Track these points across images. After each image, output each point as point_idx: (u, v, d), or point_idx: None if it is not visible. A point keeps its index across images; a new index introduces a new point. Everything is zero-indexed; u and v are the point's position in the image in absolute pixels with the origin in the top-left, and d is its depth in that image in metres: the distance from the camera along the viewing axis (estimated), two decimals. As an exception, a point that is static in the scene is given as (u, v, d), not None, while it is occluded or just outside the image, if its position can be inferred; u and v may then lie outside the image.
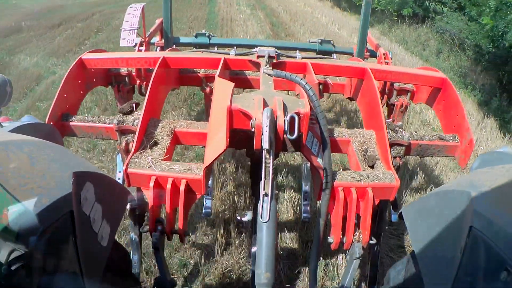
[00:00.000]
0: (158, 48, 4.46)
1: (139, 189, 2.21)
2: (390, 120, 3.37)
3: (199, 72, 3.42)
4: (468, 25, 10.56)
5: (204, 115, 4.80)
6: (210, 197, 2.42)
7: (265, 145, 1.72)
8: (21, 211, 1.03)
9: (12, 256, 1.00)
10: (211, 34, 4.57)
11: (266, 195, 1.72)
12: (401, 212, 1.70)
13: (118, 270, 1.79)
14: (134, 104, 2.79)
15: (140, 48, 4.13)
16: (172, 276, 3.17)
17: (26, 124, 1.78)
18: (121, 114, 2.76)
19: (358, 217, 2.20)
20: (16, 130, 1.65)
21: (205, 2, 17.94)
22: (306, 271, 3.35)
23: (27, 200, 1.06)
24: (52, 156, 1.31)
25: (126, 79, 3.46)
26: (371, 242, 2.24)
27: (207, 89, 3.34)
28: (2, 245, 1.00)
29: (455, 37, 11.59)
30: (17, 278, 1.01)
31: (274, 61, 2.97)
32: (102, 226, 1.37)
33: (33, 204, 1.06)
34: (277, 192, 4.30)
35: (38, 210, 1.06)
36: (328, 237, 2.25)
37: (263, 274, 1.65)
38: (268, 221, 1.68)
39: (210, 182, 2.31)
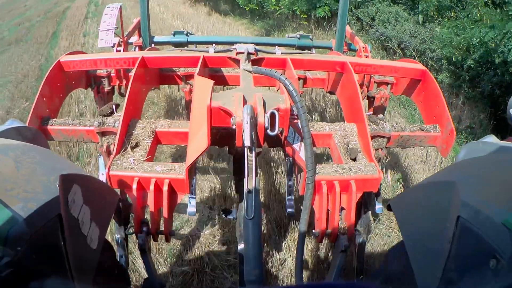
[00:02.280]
0: (137, 48, 4.43)
1: (122, 191, 2.19)
2: (371, 112, 3.39)
3: (178, 71, 3.40)
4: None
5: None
6: (194, 196, 2.41)
7: (247, 142, 1.72)
8: (8, 216, 1.02)
9: (1, 262, 0.98)
10: (189, 32, 4.54)
11: (250, 191, 1.72)
12: (389, 204, 1.71)
13: (108, 271, 1.77)
14: (114, 106, 2.77)
15: (119, 48, 4.10)
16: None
17: (10, 128, 1.76)
18: (101, 116, 2.73)
19: (342, 210, 2.22)
20: (0, 134, 1.63)
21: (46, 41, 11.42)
22: (292, 265, 3.37)
23: (14, 206, 1.04)
24: (37, 159, 1.30)
25: (106, 81, 3.43)
26: (356, 234, 2.26)
27: (187, 88, 3.33)
28: None
29: (410, 47, 8.54)
30: (7, 285, 0.99)
31: (254, 57, 2.96)
32: (91, 228, 1.34)
33: (21, 209, 1.05)
34: (260, 188, 4.30)
35: (25, 215, 1.05)
36: (313, 231, 2.27)
37: (252, 270, 1.65)
38: (253, 217, 1.68)
39: (193, 181, 2.30)
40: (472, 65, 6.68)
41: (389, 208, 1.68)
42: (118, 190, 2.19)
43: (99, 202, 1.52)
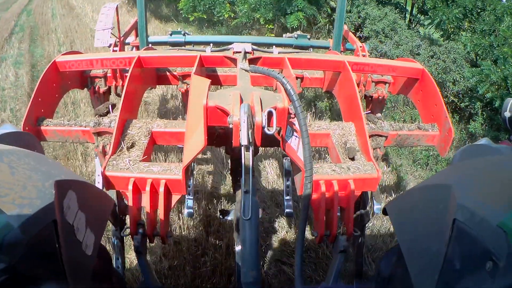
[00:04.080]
0: (134, 48, 4.41)
1: (118, 192, 2.17)
2: (369, 111, 3.38)
3: (175, 71, 3.39)
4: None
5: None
6: (191, 197, 2.39)
7: (244, 142, 1.70)
8: (4, 223, 1.01)
9: None
10: (186, 32, 4.53)
11: (246, 192, 1.71)
12: (385, 208, 1.70)
13: (103, 277, 1.76)
14: (110, 106, 2.75)
15: (115, 48, 4.08)
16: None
17: (5, 133, 1.74)
18: (97, 116, 2.71)
19: (340, 209, 2.20)
20: None
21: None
22: (292, 266, 3.35)
23: (9, 212, 1.04)
24: (32, 165, 1.28)
25: (102, 81, 3.41)
26: (355, 234, 2.24)
27: (184, 87, 3.31)
28: None
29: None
30: None
31: (251, 56, 2.95)
32: (86, 234, 1.34)
33: (16, 215, 1.04)
34: (258, 188, 4.29)
35: (20, 221, 1.04)
36: (312, 231, 2.25)
37: (249, 272, 1.64)
38: (250, 218, 1.67)
39: (190, 182, 2.28)
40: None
41: (384, 212, 1.67)
42: (114, 191, 2.17)
43: (94, 208, 1.51)
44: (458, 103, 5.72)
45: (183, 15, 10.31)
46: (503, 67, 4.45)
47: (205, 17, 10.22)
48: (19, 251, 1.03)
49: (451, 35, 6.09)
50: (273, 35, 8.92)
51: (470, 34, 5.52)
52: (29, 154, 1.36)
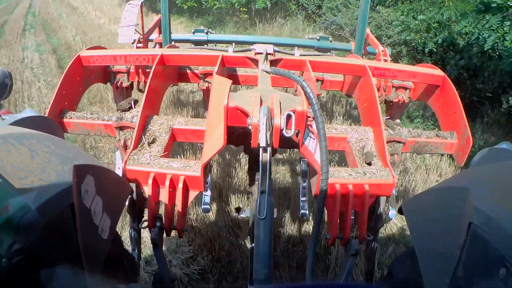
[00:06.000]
0: (157, 45, 4.46)
1: (137, 186, 2.22)
2: (388, 117, 3.38)
3: (197, 69, 3.43)
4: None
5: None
6: (209, 194, 2.43)
7: (262, 143, 1.73)
8: (22, 204, 1.03)
9: (12, 249, 1.00)
10: (209, 30, 4.57)
11: (263, 192, 1.73)
12: (400, 207, 1.70)
13: (114, 259, 1.79)
14: (133, 101, 2.80)
15: (138, 45, 4.15)
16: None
17: (26, 117, 1.78)
18: (119, 111, 2.77)
19: (354, 213, 2.22)
20: (16, 123, 1.66)
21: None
22: (303, 267, 3.37)
23: (27, 194, 1.05)
24: (52, 149, 1.31)
25: (125, 76, 3.47)
26: (367, 238, 2.26)
27: (205, 86, 3.35)
28: (3, 238, 1.00)
29: None
30: (18, 271, 1.01)
31: (272, 58, 2.97)
32: (102, 219, 1.37)
33: (34, 197, 1.06)
34: (274, 189, 4.31)
35: (38, 203, 1.06)
36: (325, 233, 2.27)
37: (261, 269, 1.67)
38: (265, 217, 1.69)
39: (208, 178, 2.32)
40: (434, 49, 6.51)
41: (400, 211, 1.67)
42: (133, 185, 2.22)
43: (111, 193, 1.54)
44: (392, 52, 7.36)
45: (178, 5, 12.19)
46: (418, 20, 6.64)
47: (196, 5, 12.13)
48: (36, 233, 1.04)
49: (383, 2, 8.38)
50: (247, 16, 11.00)
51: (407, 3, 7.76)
52: (49, 138, 1.39)
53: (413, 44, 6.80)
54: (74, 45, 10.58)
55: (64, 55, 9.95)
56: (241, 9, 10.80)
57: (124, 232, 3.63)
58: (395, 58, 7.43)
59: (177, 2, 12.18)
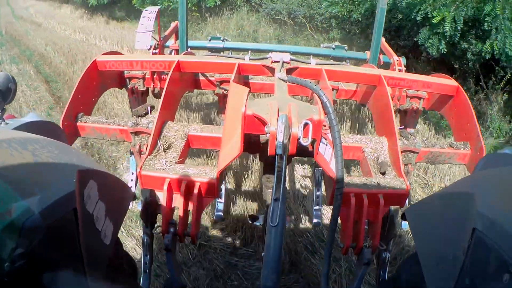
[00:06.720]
0: (173, 51, 4.50)
1: (152, 191, 2.24)
2: (402, 127, 3.37)
3: (213, 76, 3.45)
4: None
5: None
6: (222, 201, 2.44)
7: (279, 151, 1.74)
8: (25, 208, 1.03)
9: (15, 253, 0.99)
10: (226, 38, 4.60)
11: (276, 199, 1.74)
12: (404, 213, 1.70)
13: (114, 261, 1.79)
14: (149, 107, 2.83)
15: (155, 51, 4.18)
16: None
17: (30, 122, 1.79)
18: (135, 116, 2.80)
19: (368, 223, 2.22)
20: (20, 127, 1.68)
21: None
22: (318, 275, 3.37)
23: (31, 198, 1.05)
24: (55, 154, 1.32)
25: (140, 81, 3.50)
26: (380, 248, 2.25)
27: (221, 93, 3.37)
28: (6, 242, 0.99)
29: (300, 15, 9.98)
30: (20, 275, 1.01)
31: (288, 66, 2.99)
32: (105, 224, 1.37)
33: (37, 202, 1.06)
34: (287, 197, 4.31)
35: (41, 207, 1.06)
36: (338, 242, 2.27)
37: (269, 275, 1.67)
38: (277, 225, 1.70)
39: (222, 185, 2.33)
40: (359, 19, 7.87)
41: (403, 217, 1.66)
42: (146, 190, 2.24)
43: (114, 198, 1.55)
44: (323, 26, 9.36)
45: (137, 8, 12.48)
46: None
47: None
48: (38, 237, 1.04)
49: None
50: (198, 14, 11.88)
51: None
52: (53, 143, 1.39)
53: (339, 16, 8.14)
54: (46, 54, 11.33)
55: (39, 63, 10.71)
56: (193, 8, 11.73)
57: (128, 237, 3.67)
58: (327, 31, 9.10)
59: (134, 5, 12.94)
